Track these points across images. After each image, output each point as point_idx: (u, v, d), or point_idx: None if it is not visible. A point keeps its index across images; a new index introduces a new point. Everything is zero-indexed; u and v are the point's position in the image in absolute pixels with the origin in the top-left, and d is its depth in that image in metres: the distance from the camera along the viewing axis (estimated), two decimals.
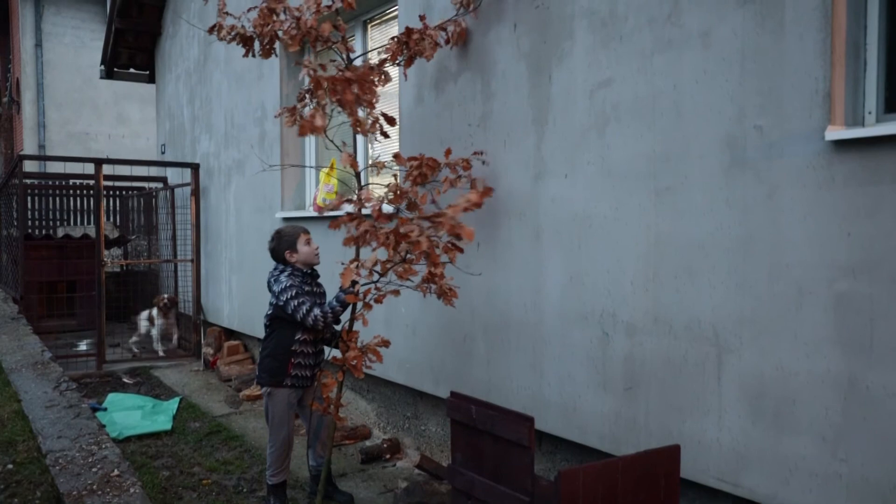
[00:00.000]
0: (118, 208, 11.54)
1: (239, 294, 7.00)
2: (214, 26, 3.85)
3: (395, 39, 3.83)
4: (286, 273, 3.74)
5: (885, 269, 2.29)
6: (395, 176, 3.60)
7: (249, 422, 5.50)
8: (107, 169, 8.17)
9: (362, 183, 3.79)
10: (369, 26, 5.33)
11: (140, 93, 15.17)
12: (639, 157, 3.05)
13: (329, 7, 3.68)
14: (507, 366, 3.78)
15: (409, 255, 3.39)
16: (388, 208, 3.78)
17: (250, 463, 4.58)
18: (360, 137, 4.90)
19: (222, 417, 5.63)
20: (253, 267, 6.52)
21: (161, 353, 7.88)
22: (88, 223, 11.20)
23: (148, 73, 10.07)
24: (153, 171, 9.39)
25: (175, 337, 8.07)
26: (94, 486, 2.90)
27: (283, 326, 3.74)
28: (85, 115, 16.40)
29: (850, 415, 2.39)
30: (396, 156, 3.64)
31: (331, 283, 4.04)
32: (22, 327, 6.74)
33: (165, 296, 8.04)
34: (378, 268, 3.46)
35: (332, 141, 3.92)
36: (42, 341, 6.11)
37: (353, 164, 3.58)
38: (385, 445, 4.72)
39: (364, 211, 3.63)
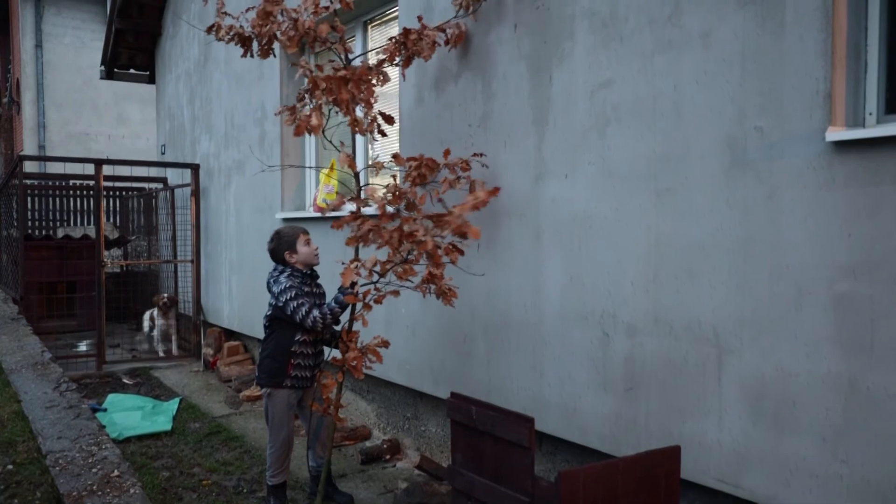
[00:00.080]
0: (118, 209, 11.55)
1: (239, 295, 7.00)
2: (213, 26, 3.85)
3: (393, 40, 3.84)
4: (286, 274, 3.73)
5: (885, 269, 2.29)
6: (394, 176, 3.60)
7: (249, 422, 5.50)
8: (107, 169, 8.19)
9: (361, 183, 3.79)
10: (370, 27, 5.33)
11: (140, 93, 15.18)
12: (639, 157, 3.05)
13: (327, 8, 3.67)
14: (507, 366, 3.77)
15: (410, 256, 3.39)
16: (387, 208, 3.77)
17: (250, 463, 4.57)
18: (359, 138, 4.91)
19: (222, 418, 5.62)
20: (253, 267, 6.52)
21: (161, 354, 7.88)
22: (88, 224, 11.20)
23: (148, 73, 10.08)
24: (153, 172, 9.39)
25: (174, 337, 8.06)
26: (94, 487, 2.90)
27: (282, 327, 3.74)
28: (85, 115, 16.41)
29: (850, 416, 2.39)
30: (395, 156, 3.64)
31: (330, 284, 4.04)
32: (22, 328, 6.74)
33: (165, 295, 8.04)
34: (377, 268, 3.46)
35: (329, 141, 3.92)
36: (42, 342, 6.10)
37: (352, 164, 3.58)
38: (385, 446, 4.72)
39: (368, 210, 3.63)
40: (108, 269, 8.19)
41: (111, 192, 11.28)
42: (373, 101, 3.66)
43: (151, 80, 10.02)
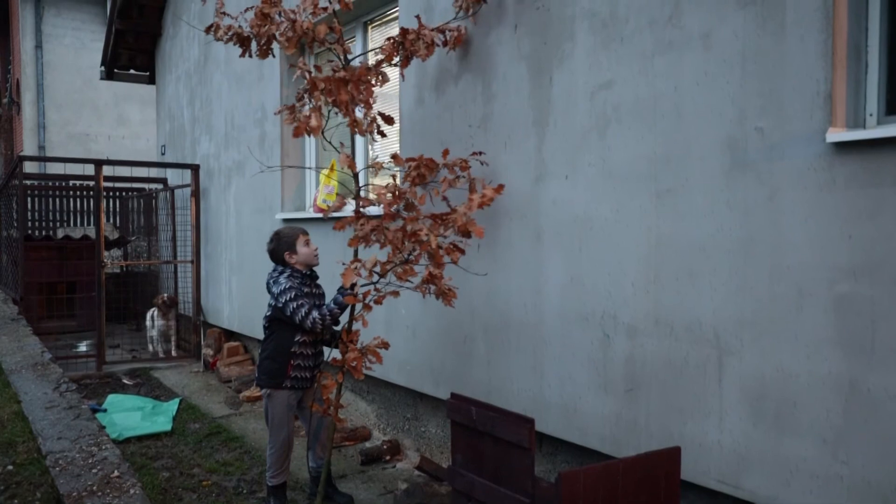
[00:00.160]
0: (118, 209, 11.55)
1: (239, 295, 7.00)
2: (211, 26, 3.85)
3: (392, 40, 3.83)
4: (285, 274, 3.73)
5: (886, 271, 2.29)
6: (393, 177, 3.60)
7: (249, 423, 5.50)
8: (107, 170, 8.18)
9: (361, 184, 3.79)
10: (370, 28, 5.33)
11: (140, 94, 15.18)
12: (640, 158, 3.05)
13: (325, 9, 3.67)
14: (507, 367, 3.77)
15: (410, 256, 3.39)
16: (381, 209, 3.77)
17: (250, 464, 4.57)
18: (359, 138, 4.90)
19: (222, 419, 5.62)
20: (253, 268, 6.52)
21: (161, 354, 7.87)
22: (88, 224, 11.20)
23: (148, 74, 10.08)
24: (153, 173, 9.39)
25: (174, 338, 8.06)
26: (94, 488, 2.90)
27: (282, 328, 3.73)
28: (85, 116, 16.41)
29: (851, 417, 2.39)
30: (395, 156, 3.64)
31: (330, 285, 4.04)
32: (22, 328, 6.73)
33: (165, 294, 8.03)
34: (377, 269, 3.46)
35: (328, 142, 3.92)
36: (42, 342, 6.10)
37: (352, 165, 3.58)
38: (385, 447, 4.71)
39: (371, 210, 3.63)
40: (108, 269, 8.19)
41: (111, 193, 11.28)
42: (371, 101, 3.65)
43: (151, 80, 10.02)
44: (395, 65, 3.95)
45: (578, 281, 3.35)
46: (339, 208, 3.70)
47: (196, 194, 7.80)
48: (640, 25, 3.04)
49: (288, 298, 3.63)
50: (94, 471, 3.08)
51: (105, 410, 5.69)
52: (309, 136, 3.59)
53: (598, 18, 3.23)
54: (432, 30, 3.86)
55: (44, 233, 10.58)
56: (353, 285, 3.48)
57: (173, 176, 8.85)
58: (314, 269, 3.91)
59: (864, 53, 2.43)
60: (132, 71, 10.19)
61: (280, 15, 3.64)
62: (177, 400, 6.09)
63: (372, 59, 3.94)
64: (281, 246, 3.78)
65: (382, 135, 3.79)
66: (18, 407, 4.22)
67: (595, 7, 3.24)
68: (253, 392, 6.06)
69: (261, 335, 3.99)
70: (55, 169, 13.05)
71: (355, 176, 3.73)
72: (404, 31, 3.80)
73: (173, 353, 7.95)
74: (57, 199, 11.56)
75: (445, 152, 3.63)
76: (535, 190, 3.57)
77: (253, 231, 6.58)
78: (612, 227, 3.18)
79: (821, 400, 2.46)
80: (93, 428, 3.68)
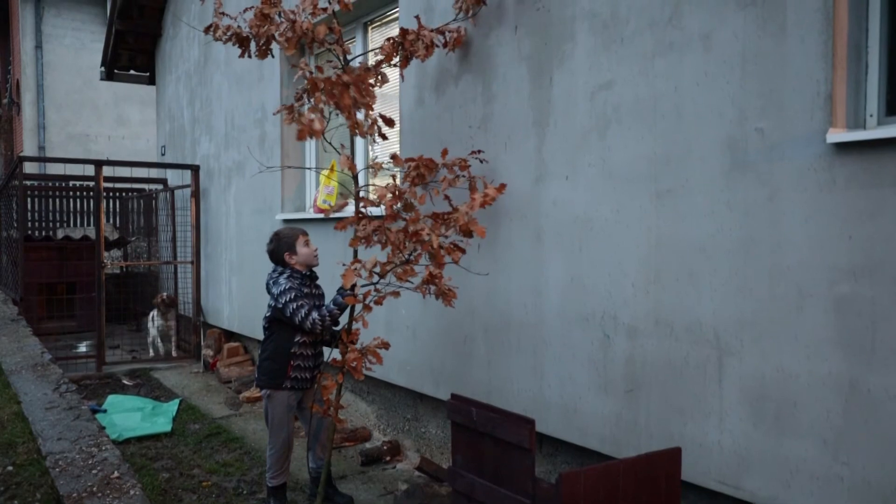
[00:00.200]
0: (118, 210, 11.56)
1: (239, 296, 6.99)
2: (210, 26, 3.85)
3: (391, 41, 3.84)
4: (285, 275, 3.73)
5: (886, 271, 2.29)
6: (393, 177, 3.60)
7: (249, 424, 5.50)
8: (107, 170, 8.18)
9: (361, 185, 3.79)
10: (370, 28, 5.33)
11: (140, 94, 15.19)
12: (640, 159, 3.05)
13: (325, 9, 3.67)
14: (507, 367, 3.77)
15: (411, 256, 3.39)
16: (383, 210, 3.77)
17: (250, 465, 4.57)
18: (359, 139, 4.90)
19: (222, 419, 5.62)
20: (253, 268, 6.52)
21: (160, 355, 7.87)
22: (88, 225, 11.21)
23: (148, 74, 10.08)
24: (153, 173, 9.39)
25: (174, 338, 8.06)
26: (94, 488, 2.90)
27: (282, 328, 3.73)
28: (85, 116, 16.42)
29: (851, 417, 2.39)
30: (394, 157, 3.64)
31: (330, 285, 4.04)
32: (22, 329, 6.73)
33: (164, 294, 8.03)
34: (377, 269, 3.46)
35: (329, 143, 3.92)
36: (42, 343, 6.10)
37: (352, 167, 3.58)
38: (385, 447, 4.71)
39: (373, 210, 3.62)
40: (108, 270, 8.18)
41: (111, 194, 11.29)
42: (372, 103, 3.65)
43: (151, 81, 10.03)
44: (395, 65, 3.95)
45: (579, 281, 3.35)
46: (341, 208, 3.70)
47: (196, 195, 7.80)
48: (641, 26, 3.04)
49: (288, 299, 3.63)
50: (94, 472, 3.08)
51: (105, 411, 5.69)
52: (312, 138, 3.59)
53: (598, 19, 3.23)
54: (432, 31, 3.86)
55: (44, 233, 10.59)
56: (353, 286, 3.48)
57: (173, 176, 8.85)
58: (314, 269, 3.91)
59: (864, 54, 2.43)
60: (132, 71, 10.20)
61: (280, 16, 3.64)
62: (177, 401, 6.09)
63: (372, 60, 3.93)
64: (281, 246, 3.78)
65: (384, 137, 3.79)
66: (18, 408, 4.22)
67: (595, 8, 3.24)
68: (253, 393, 6.06)
69: (261, 336, 3.99)
70: (55, 169, 13.06)
71: (355, 178, 3.73)
72: (404, 32, 3.80)
73: (173, 353, 7.94)
74: (57, 200, 11.56)
75: (444, 152, 3.63)
76: (535, 190, 3.57)
77: (253, 231, 6.58)
78: (612, 227, 3.18)
79: (821, 400, 2.46)
80: (93, 429, 3.68)
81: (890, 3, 2.41)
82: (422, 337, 4.42)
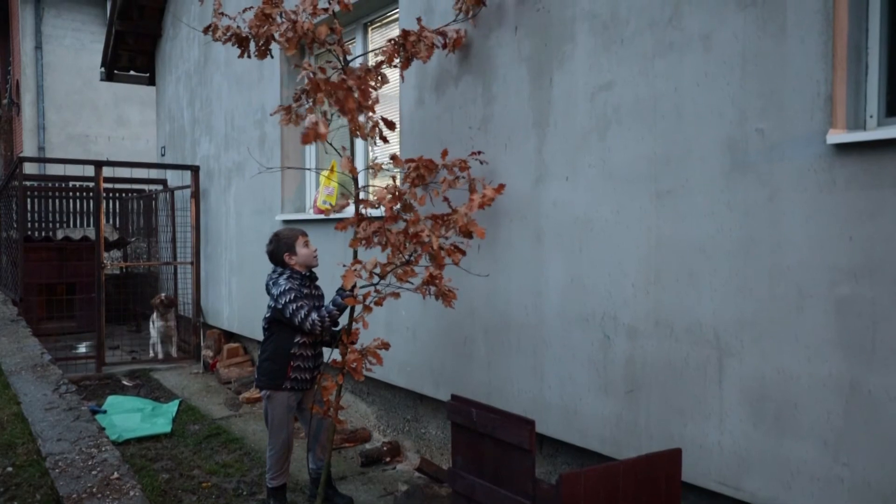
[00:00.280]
0: (118, 210, 11.55)
1: (239, 296, 6.99)
2: (209, 26, 3.85)
3: (392, 42, 3.84)
4: (285, 276, 3.73)
5: (886, 272, 2.29)
6: (393, 178, 3.60)
7: (249, 424, 5.49)
8: (107, 171, 8.18)
9: (361, 186, 3.79)
10: (370, 29, 5.33)
11: (140, 95, 15.19)
12: (640, 159, 3.05)
13: (325, 10, 3.67)
14: (507, 368, 3.77)
15: (411, 257, 3.39)
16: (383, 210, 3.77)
17: (250, 466, 4.57)
18: (359, 140, 4.90)
19: (222, 420, 5.62)
20: (253, 269, 6.52)
21: (160, 356, 7.87)
22: (88, 225, 11.21)
23: (148, 75, 10.08)
24: (153, 174, 9.39)
25: (174, 338, 8.05)
26: (94, 489, 2.90)
27: (281, 329, 3.73)
28: (85, 117, 16.42)
29: (851, 418, 2.39)
30: (394, 157, 3.64)
31: (330, 286, 4.04)
32: (21, 329, 6.73)
33: (163, 294, 8.02)
34: (377, 270, 3.46)
35: (330, 144, 3.92)
36: (41, 344, 6.10)
37: (352, 169, 3.58)
38: (385, 448, 4.71)
39: (373, 212, 3.62)
40: (108, 270, 8.18)
41: (111, 194, 11.29)
42: (373, 105, 3.65)
43: (151, 81, 10.03)
44: (396, 66, 3.95)
45: (579, 282, 3.35)
46: (341, 209, 3.70)
47: (196, 195, 7.79)
48: (641, 27, 3.04)
49: (287, 300, 3.62)
50: (94, 472, 3.08)
51: (105, 412, 5.69)
52: (316, 142, 3.59)
53: (598, 20, 3.23)
54: (432, 31, 3.86)
55: (43, 234, 10.59)
56: (353, 287, 3.48)
57: (173, 177, 8.85)
58: (314, 270, 3.90)
59: (864, 55, 2.43)
60: (132, 72, 10.20)
61: (281, 16, 3.64)
62: (176, 401, 6.09)
63: (372, 61, 3.93)
64: (280, 247, 3.78)
65: (385, 140, 3.79)
66: (18, 408, 4.22)
67: (595, 9, 3.24)
68: (253, 393, 6.06)
69: (260, 336, 3.99)
70: (55, 170, 13.07)
71: (355, 179, 3.73)
72: (405, 33, 3.80)
73: (173, 354, 7.94)
74: (57, 201, 11.57)
75: (444, 153, 3.63)
76: (535, 191, 3.57)
77: (253, 232, 6.58)
78: (612, 227, 3.18)
79: (821, 401, 2.46)
80: (92, 429, 3.68)
81: (890, 3, 2.41)
82: (422, 338, 4.42)
